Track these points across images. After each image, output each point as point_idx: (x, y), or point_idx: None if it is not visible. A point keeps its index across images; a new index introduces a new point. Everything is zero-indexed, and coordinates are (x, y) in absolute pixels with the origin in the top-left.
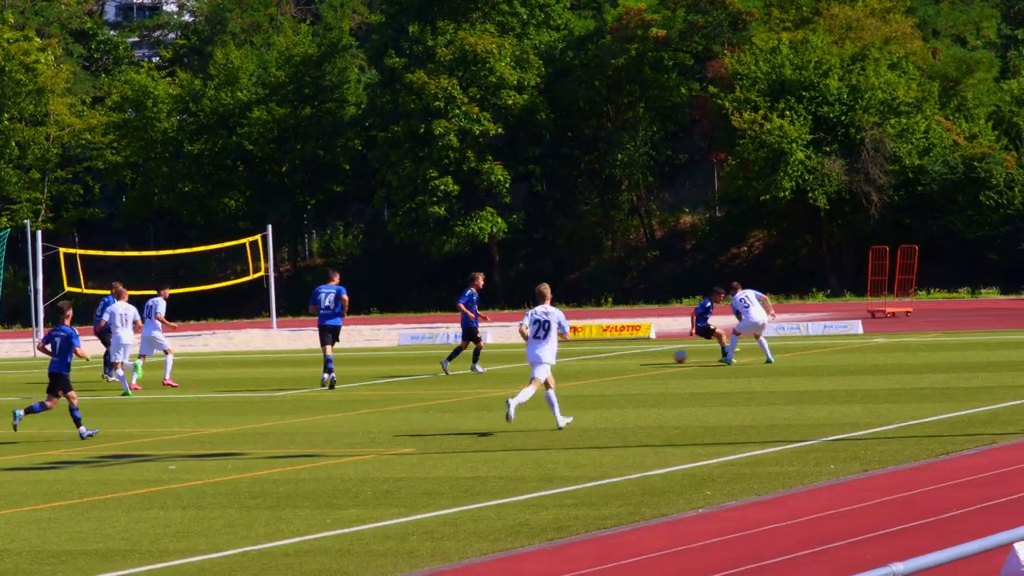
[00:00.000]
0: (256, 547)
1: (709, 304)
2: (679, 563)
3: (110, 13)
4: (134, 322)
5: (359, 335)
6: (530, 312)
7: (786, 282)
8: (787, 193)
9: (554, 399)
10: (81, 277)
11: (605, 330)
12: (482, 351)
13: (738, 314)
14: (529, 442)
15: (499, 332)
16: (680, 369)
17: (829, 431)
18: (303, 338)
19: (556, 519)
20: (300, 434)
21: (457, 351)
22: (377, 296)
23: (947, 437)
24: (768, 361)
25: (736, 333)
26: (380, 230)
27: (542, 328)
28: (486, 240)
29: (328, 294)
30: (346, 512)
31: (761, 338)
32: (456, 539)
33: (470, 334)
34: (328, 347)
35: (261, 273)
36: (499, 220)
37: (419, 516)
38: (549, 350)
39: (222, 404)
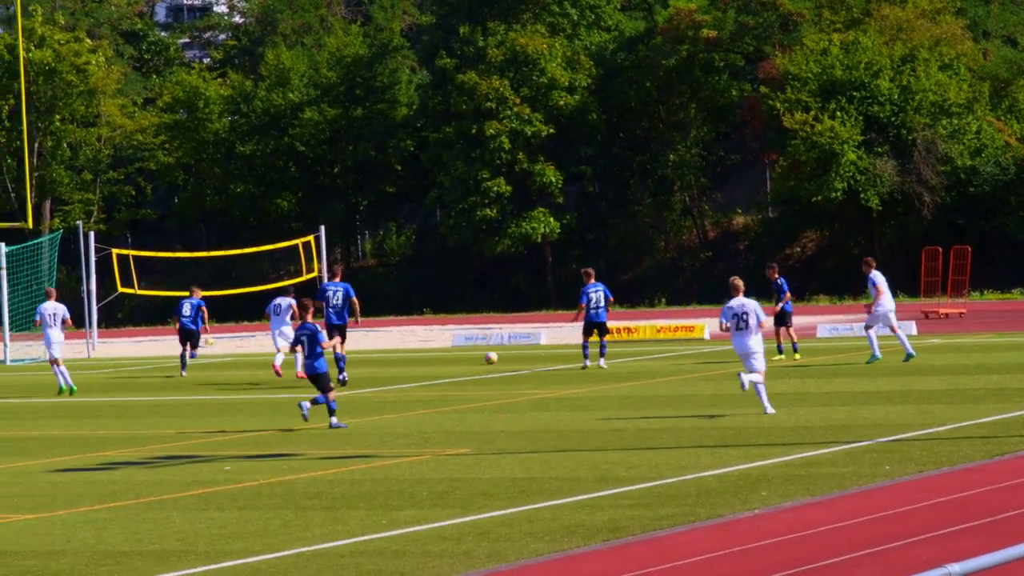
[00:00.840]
0: (312, 548)
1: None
2: (734, 564)
3: (160, 14)
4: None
5: (413, 336)
6: (726, 307)
7: (839, 283)
8: (839, 194)
9: (762, 388)
10: (134, 278)
11: (659, 331)
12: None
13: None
14: (584, 443)
15: (553, 333)
16: (734, 370)
17: (883, 432)
18: (356, 338)
19: (612, 520)
20: (355, 435)
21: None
22: (430, 297)
23: (1001, 438)
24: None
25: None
26: (433, 231)
27: (742, 320)
28: (539, 241)
29: (336, 291)
30: (402, 513)
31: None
32: (512, 540)
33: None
34: (338, 346)
35: (314, 274)
36: (551, 221)
37: (475, 517)
38: (757, 340)
39: (277, 405)
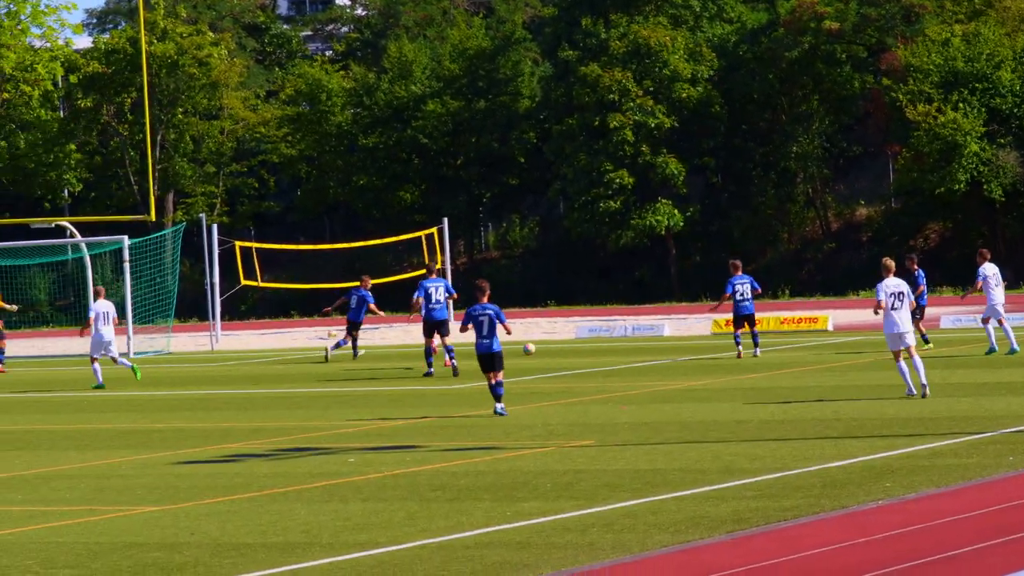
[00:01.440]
0: (436, 540)
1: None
2: (859, 555)
3: (283, 7)
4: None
5: (536, 328)
6: (881, 285)
7: (962, 274)
8: (962, 185)
9: (919, 363)
10: (257, 270)
11: (782, 322)
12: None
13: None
14: (708, 434)
15: (677, 324)
16: (857, 361)
17: (1008, 423)
18: None
19: (736, 511)
20: (478, 427)
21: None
22: (553, 289)
23: None
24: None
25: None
26: (556, 223)
27: (897, 299)
28: (662, 233)
29: (437, 287)
30: (526, 504)
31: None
32: (636, 531)
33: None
34: (437, 340)
35: (438, 266)
36: (675, 213)
37: (599, 508)
38: (908, 317)
39: (400, 397)
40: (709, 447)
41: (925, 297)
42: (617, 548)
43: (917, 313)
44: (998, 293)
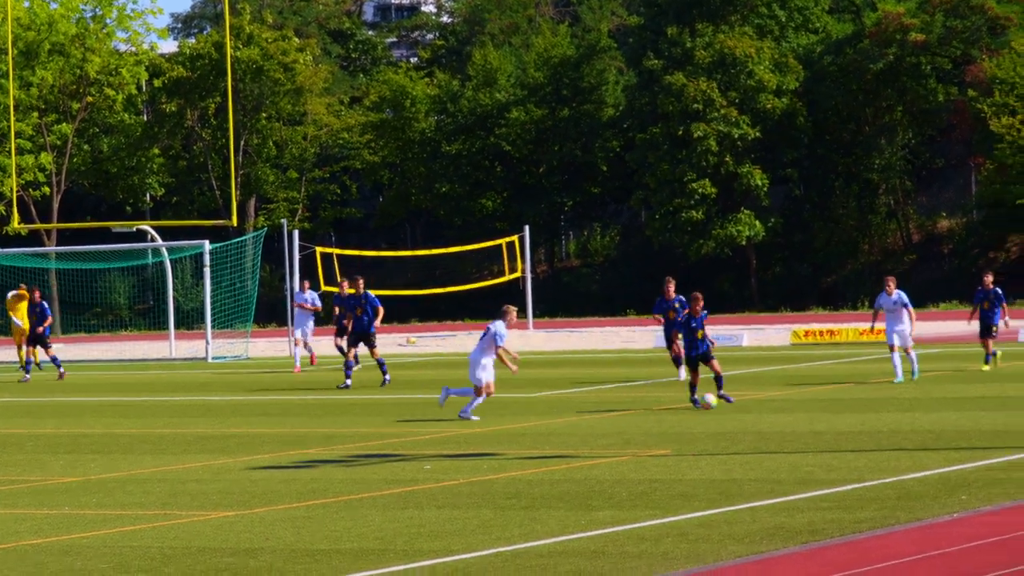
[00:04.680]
0: (510, 548)
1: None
2: (934, 568)
3: (368, 13)
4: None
5: (616, 336)
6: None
7: None
8: None
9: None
10: (338, 276)
11: (861, 334)
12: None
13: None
14: (784, 445)
15: (756, 335)
16: (934, 373)
17: None
18: (559, 339)
19: (811, 522)
20: (555, 435)
21: None
22: (633, 298)
23: None
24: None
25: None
26: (637, 232)
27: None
28: (743, 243)
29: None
30: (600, 513)
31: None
32: (711, 541)
33: None
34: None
35: (518, 274)
36: (756, 223)
37: (674, 518)
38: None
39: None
40: (785, 458)
41: (999, 316)
42: (692, 558)
43: (992, 330)
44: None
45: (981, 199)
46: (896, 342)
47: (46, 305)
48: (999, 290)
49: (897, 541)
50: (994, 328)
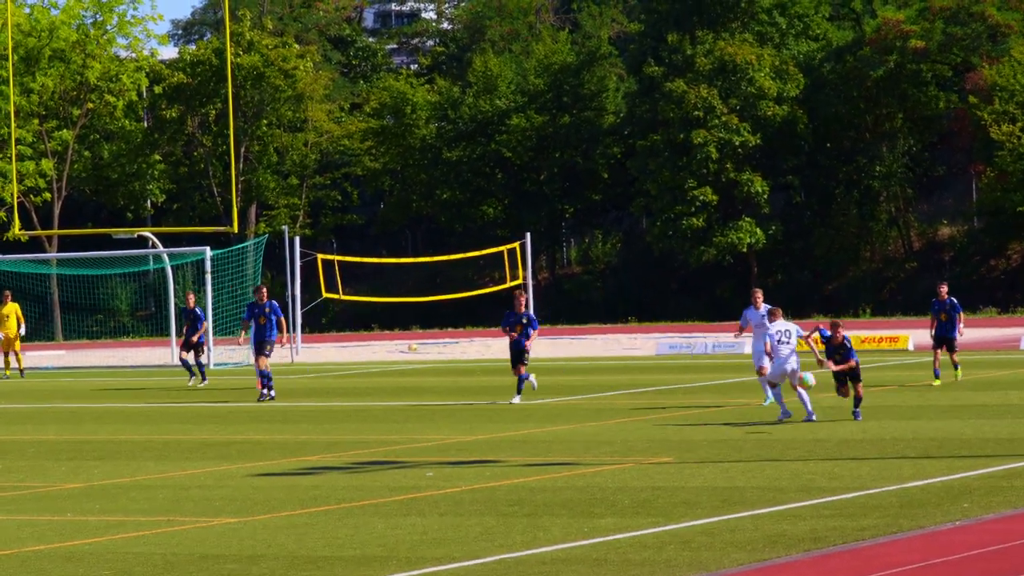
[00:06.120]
0: (513, 555)
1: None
2: (937, 575)
3: (369, 20)
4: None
5: (617, 344)
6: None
7: None
8: None
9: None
10: (339, 283)
11: (863, 341)
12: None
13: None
14: (787, 453)
15: None
16: (936, 381)
17: None
18: (562, 346)
19: (813, 530)
20: (557, 442)
21: None
22: (635, 305)
23: None
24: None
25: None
26: (638, 239)
27: (784, 336)
28: (744, 250)
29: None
30: (603, 521)
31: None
32: (713, 549)
33: None
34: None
35: (519, 281)
36: (757, 231)
37: (676, 526)
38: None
39: (479, 411)
40: (787, 465)
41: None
42: (694, 566)
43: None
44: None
45: (982, 206)
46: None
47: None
48: (954, 300)
49: (900, 549)
50: (955, 340)
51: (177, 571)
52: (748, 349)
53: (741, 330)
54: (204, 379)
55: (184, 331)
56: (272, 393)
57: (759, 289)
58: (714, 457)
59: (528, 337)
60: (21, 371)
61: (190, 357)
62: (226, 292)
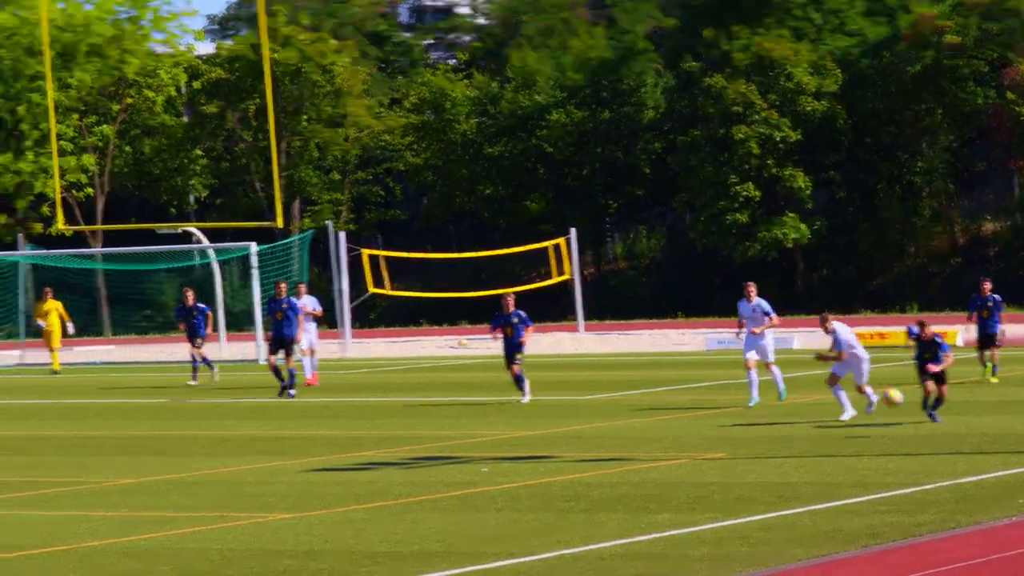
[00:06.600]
0: (571, 551)
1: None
2: (994, 571)
3: (404, 15)
4: None
5: (666, 339)
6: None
7: None
8: None
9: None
10: (385, 278)
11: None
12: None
13: None
14: (841, 448)
15: (805, 337)
16: (987, 376)
17: None
18: (610, 341)
19: (870, 525)
20: (610, 438)
21: None
22: (681, 300)
23: None
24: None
25: None
26: (682, 234)
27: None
28: (789, 246)
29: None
30: (659, 516)
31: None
32: (771, 544)
33: None
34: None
35: (566, 276)
36: (801, 226)
37: (733, 521)
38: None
39: (532, 407)
40: (842, 461)
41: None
42: (752, 562)
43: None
44: None
45: (1022, 202)
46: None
47: None
48: (997, 297)
49: (958, 544)
50: (997, 337)
51: (234, 566)
52: (795, 344)
53: (739, 323)
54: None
55: (186, 329)
56: (292, 392)
57: (752, 283)
58: (767, 453)
59: (521, 336)
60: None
61: (199, 354)
62: (272, 287)
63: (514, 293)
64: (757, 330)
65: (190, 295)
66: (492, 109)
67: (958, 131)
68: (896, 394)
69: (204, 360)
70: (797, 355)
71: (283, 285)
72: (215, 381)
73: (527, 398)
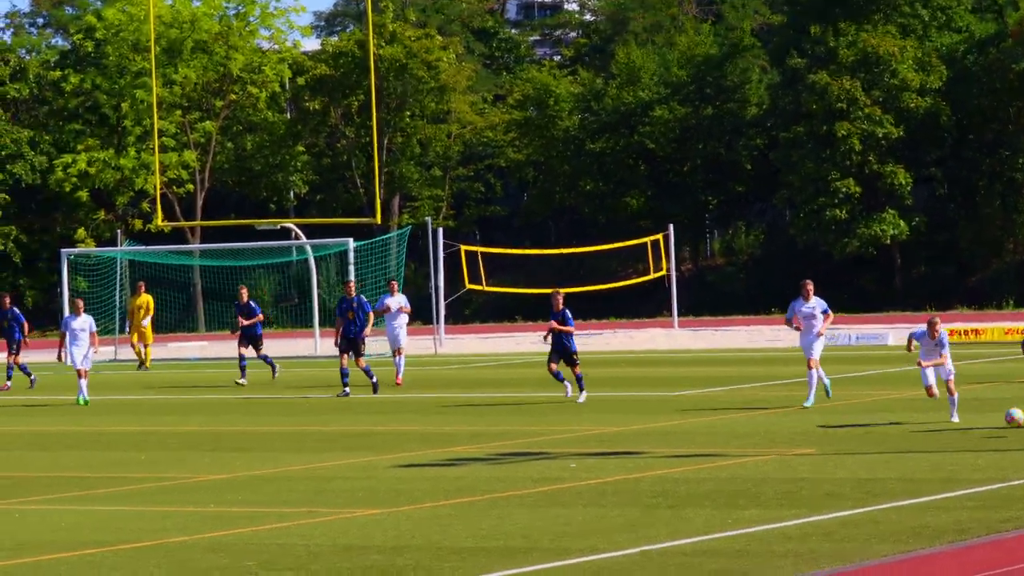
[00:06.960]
0: (656, 546)
1: None
2: None
3: (511, 12)
4: None
5: (760, 335)
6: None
7: None
8: None
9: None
10: (482, 275)
11: (1007, 333)
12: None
13: None
14: (929, 444)
15: (901, 334)
16: None
17: None
18: (705, 337)
19: (956, 521)
20: (700, 433)
21: None
22: (777, 296)
23: None
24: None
25: None
26: (781, 231)
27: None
28: (888, 242)
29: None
30: (746, 512)
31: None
32: (856, 541)
33: None
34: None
35: (663, 272)
36: (901, 223)
37: (819, 517)
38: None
39: (623, 403)
40: (928, 457)
41: None
42: (837, 558)
43: None
44: None
45: None
46: None
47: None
48: None
49: None
50: None
51: (321, 561)
52: (891, 340)
53: (788, 322)
54: (275, 370)
55: (239, 327)
56: (347, 391)
57: (810, 281)
58: (856, 449)
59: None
60: (140, 364)
61: (248, 352)
62: (369, 283)
63: (563, 293)
64: (822, 330)
65: (244, 292)
66: (595, 105)
67: None
68: (1020, 415)
69: (261, 357)
70: (891, 351)
71: (352, 284)
72: (275, 379)
73: (582, 397)
